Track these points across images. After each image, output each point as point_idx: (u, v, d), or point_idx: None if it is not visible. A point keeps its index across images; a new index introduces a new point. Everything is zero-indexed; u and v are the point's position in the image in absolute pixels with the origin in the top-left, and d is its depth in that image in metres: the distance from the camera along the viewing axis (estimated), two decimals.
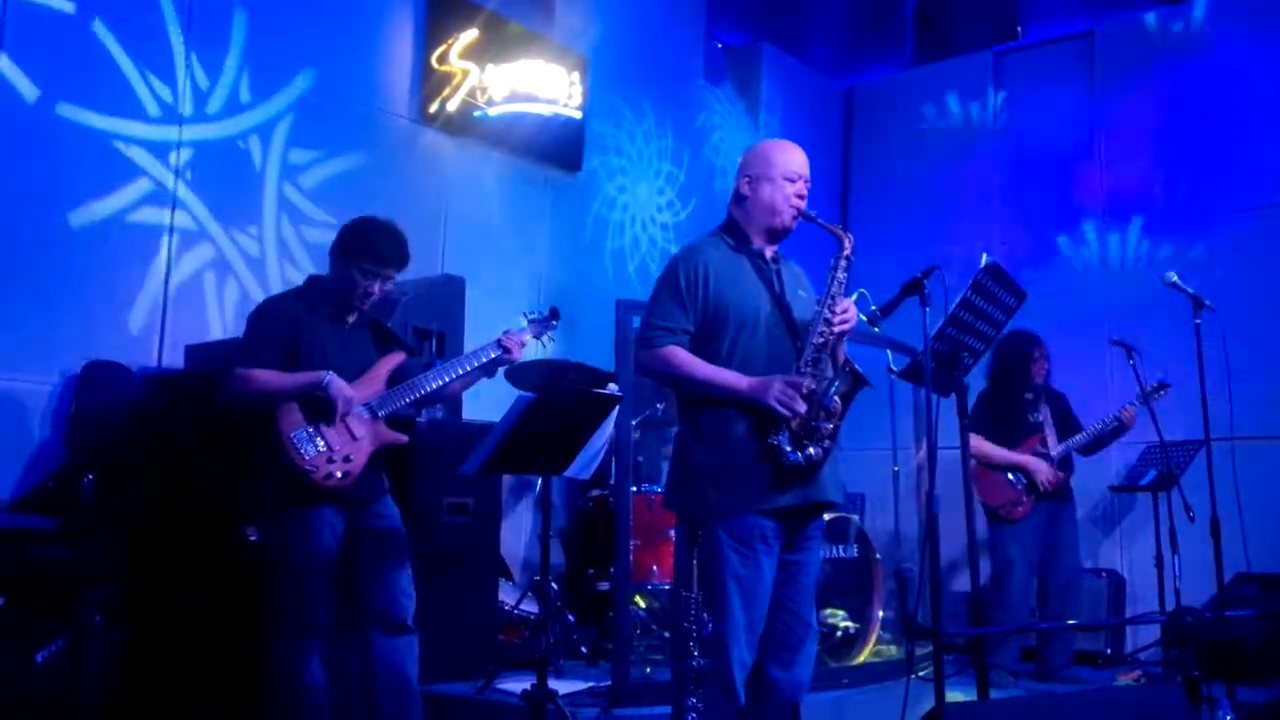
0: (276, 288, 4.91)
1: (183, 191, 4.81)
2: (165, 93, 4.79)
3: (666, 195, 7.33)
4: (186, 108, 4.86)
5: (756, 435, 2.89)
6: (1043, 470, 5.29)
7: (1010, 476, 5.33)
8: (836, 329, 2.95)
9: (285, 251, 5.20)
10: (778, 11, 8.23)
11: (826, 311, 2.95)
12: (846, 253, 3.03)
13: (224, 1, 5.03)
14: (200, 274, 4.88)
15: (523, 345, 3.67)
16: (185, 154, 4.83)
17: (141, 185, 4.67)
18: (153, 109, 4.73)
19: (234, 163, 5.03)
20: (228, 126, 5.02)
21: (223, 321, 4.91)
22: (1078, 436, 5.40)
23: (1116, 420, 5.34)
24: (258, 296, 4.80)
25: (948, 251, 7.41)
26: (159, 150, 4.74)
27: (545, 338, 3.87)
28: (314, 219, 5.31)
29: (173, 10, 4.83)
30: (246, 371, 3.30)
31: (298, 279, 4.16)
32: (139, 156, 4.66)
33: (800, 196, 3.10)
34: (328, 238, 3.59)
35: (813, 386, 2.87)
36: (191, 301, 4.82)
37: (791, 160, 3.12)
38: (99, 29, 4.57)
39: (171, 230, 4.76)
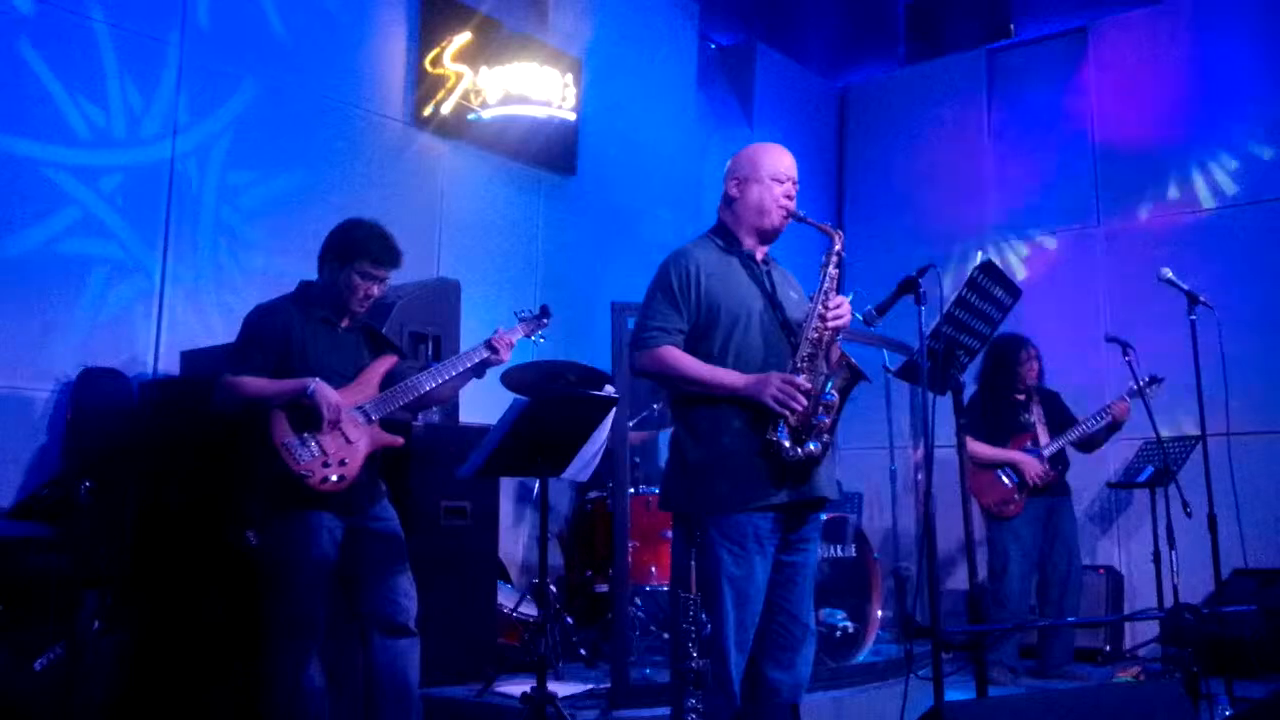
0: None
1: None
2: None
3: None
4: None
5: (754, 432, 2.89)
6: (1031, 465, 5.30)
7: (1002, 475, 5.34)
8: (830, 325, 2.95)
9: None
10: (771, 12, 8.23)
11: (820, 307, 2.95)
12: (837, 249, 3.04)
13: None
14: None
15: (511, 345, 3.63)
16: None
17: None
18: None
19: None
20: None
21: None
22: (1070, 432, 5.40)
23: (1108, 414, 5.34)
24: None
25: (943, 250, 7.44)
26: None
27: (537, 336, 3.85)
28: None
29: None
30: (234, 379, 3.29)
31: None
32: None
33: (789, 197, 3.11)
34: None
35: (809, 384, 2.88)
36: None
37: (779, 162, 3.13)
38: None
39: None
